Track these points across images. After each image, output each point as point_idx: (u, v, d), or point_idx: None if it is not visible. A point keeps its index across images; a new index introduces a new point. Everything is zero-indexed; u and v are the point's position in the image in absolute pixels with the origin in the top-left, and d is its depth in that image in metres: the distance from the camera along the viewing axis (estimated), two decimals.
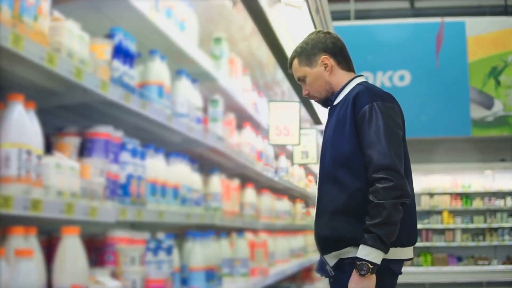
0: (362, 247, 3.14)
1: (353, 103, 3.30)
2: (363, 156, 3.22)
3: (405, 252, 3.34)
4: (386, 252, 3.14)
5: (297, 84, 7.92)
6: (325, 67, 3.51)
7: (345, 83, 3.52)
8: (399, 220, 3.15)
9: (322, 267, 3.48)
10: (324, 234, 3.35)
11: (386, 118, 3.24)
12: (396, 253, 3.28)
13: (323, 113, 8.97)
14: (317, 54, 3.52)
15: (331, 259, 3.35)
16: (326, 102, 3.58)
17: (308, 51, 3.54)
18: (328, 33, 3.60)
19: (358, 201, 3.22)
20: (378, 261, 3.12)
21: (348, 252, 3.25)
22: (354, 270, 3.14)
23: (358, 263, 3.12)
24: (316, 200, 3.44)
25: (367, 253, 3.12)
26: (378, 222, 3.11)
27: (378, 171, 3.15)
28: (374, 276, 3.13)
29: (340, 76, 3.53)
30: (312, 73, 3.53)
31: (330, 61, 3.52)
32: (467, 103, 15.30)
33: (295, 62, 3.60)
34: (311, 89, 3.57)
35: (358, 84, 3.48)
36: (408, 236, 3.33)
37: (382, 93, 3.36)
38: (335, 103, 3.50)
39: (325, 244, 3.36)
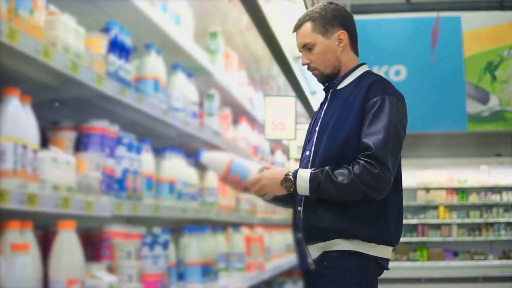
0: (309, 173, 3.04)
1: (367, 89, 3.11)
2: (358, 144, 3.04)
3: (390, 251, 3.24)
4: (308, 194, 3.07)
5: (292, 78, 7.91)
6: (339, 43, 3.24)
7: (352, 68, 3.29)
8: (342, 200, 3.04)
9: (303, 261, 3.23)
10: (314, 222, 3.14)
11: (394, 116, 3.06)
12: (388, 251, 3.18)
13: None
14: (335, 26, 3.23)
15: (315, 251, 3.14)
16: (326, 78, 3.29)
17: (327, 20, 3.23)
18: (345, 8, 3.33)
19: None
20: (298, 191, 3.07)
21: (335, 244, 3.09)
22: (280, 180, 3.08)
23: (290, 177, 3.06)
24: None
25: (305, 180, 3.04)
26: (336, 179, 2.97)
27: (369, 157, 2.97)
28: (279, 190, 3.12)
29: (350, 56, 3.29)
30: (324, 44, 3.23)
31: (346, 38, 3.25)
32: (463, 98, 15.31)
33: (307, 26, 3.26)
34: (317, 60, 3.25)
35: (366, 72, 3.31)
36: (399, 235, 3.20)
37: (397, 91, 3.18)
38: (339, 87, 3.27)
39: (312, 232, 3.14)
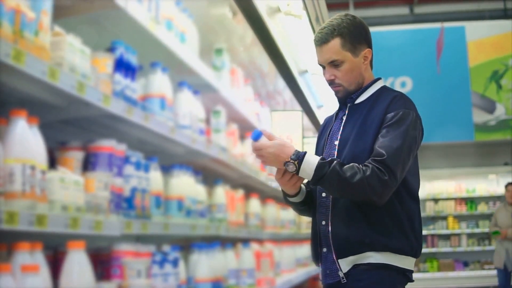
0: (317, 161, 2.99)
1: (387, 105, 3.10)
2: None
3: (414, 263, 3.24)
4: (309, 179, 3.03)
5: (298, 92, 7.91)
6: (364, 60, 3.21)
7: (370, 83, 3.26)
8: (343, 196, 3.05)
9: (329, 273, 3.18)
10: (345, 236, 3.12)
11: (410, 128, 3.06)
12: (413, 263, 3.16)
13: None
14: (362, 43, 3.19)
15: (345, 265, 3.11)
16: (348, 94, 3.23)
17: (355, 37, 3.17)
18: (364, 22, 3.26)
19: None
20: (300, 174, 3.03)
21: (366, 257, 3.06)
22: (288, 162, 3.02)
23: (295, 162, 3.00)
24: (331, 199, 3.16)
25: (311, 167, 2.99)
26: (344, 175, 2.93)
27: (380, 163, 2.95)
28: (282, 170, 3.08)
29: (370, 72, 3.27)
30: (353, 62, 3.17)
31: (370, 56, 3.23)
32: (469, 107, 15.30)
33: (337, 42, 3.15)
34: (343, 77, 3.18)
35: (384, 87, 3.28)
36: (421, 246, 3.19)
37: (415, 108, 3.17)
38: (356, 101, 3.23)
39: (343, 246, 3.11)
